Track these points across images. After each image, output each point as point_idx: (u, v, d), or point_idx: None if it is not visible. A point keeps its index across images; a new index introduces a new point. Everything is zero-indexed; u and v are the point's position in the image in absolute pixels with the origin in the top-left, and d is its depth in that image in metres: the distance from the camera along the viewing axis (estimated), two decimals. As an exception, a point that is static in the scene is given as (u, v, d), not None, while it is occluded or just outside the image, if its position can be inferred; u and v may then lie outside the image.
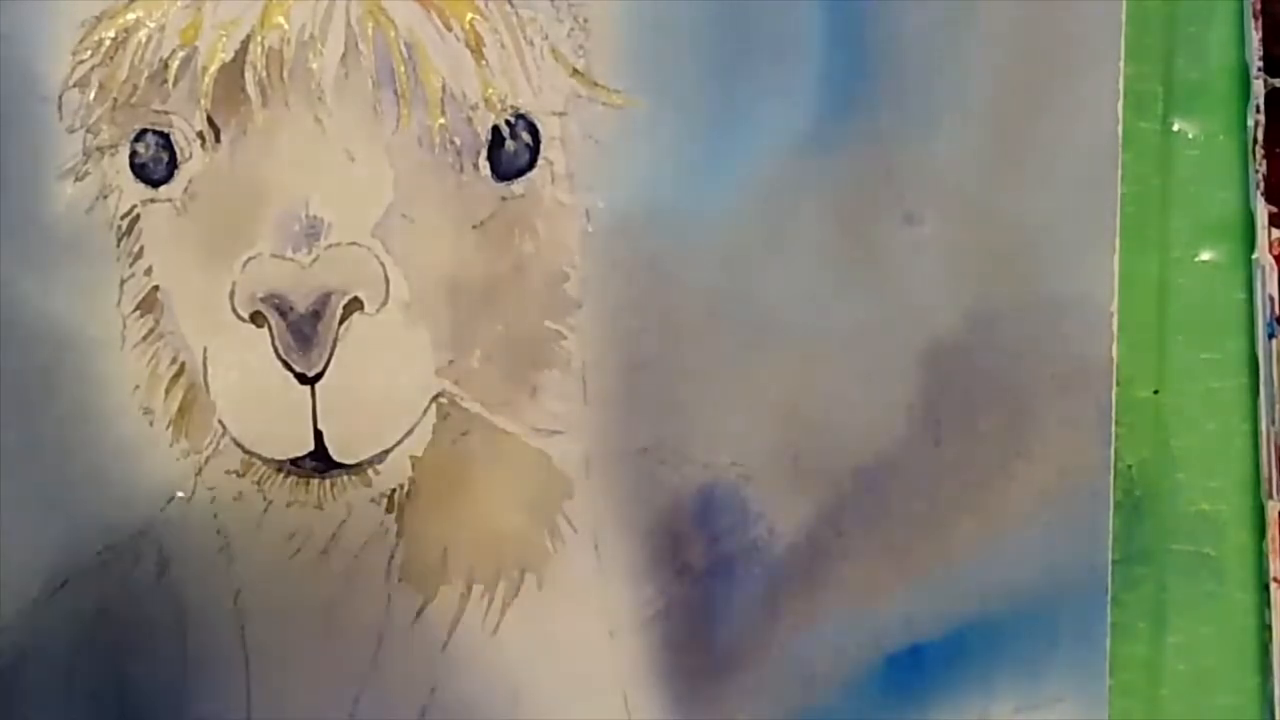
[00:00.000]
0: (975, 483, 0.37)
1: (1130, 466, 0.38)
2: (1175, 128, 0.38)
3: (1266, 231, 0.37)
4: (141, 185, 0.39)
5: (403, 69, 0.38)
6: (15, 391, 0.40)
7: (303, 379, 0.38)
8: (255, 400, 0.39)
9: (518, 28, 0.38)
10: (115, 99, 0.39)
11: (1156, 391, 0.38)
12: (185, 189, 0.39)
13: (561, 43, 0.38)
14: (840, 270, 0.38)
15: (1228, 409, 0.38)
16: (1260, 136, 0.37)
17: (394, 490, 0.39)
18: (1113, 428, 0.37)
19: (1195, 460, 0.38)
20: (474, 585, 0.39)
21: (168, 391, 0.39)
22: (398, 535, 0.39)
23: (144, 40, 0.39)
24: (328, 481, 0.39)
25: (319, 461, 0.38)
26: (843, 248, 0.38)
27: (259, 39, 0.38)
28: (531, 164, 0.38)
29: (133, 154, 0.39)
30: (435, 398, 0.39)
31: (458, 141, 0.38)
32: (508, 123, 0.38)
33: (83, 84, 0.39)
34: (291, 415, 0.38)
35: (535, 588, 0.39)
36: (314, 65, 0.38)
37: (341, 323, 0.38)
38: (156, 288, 0.39)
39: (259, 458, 0.39)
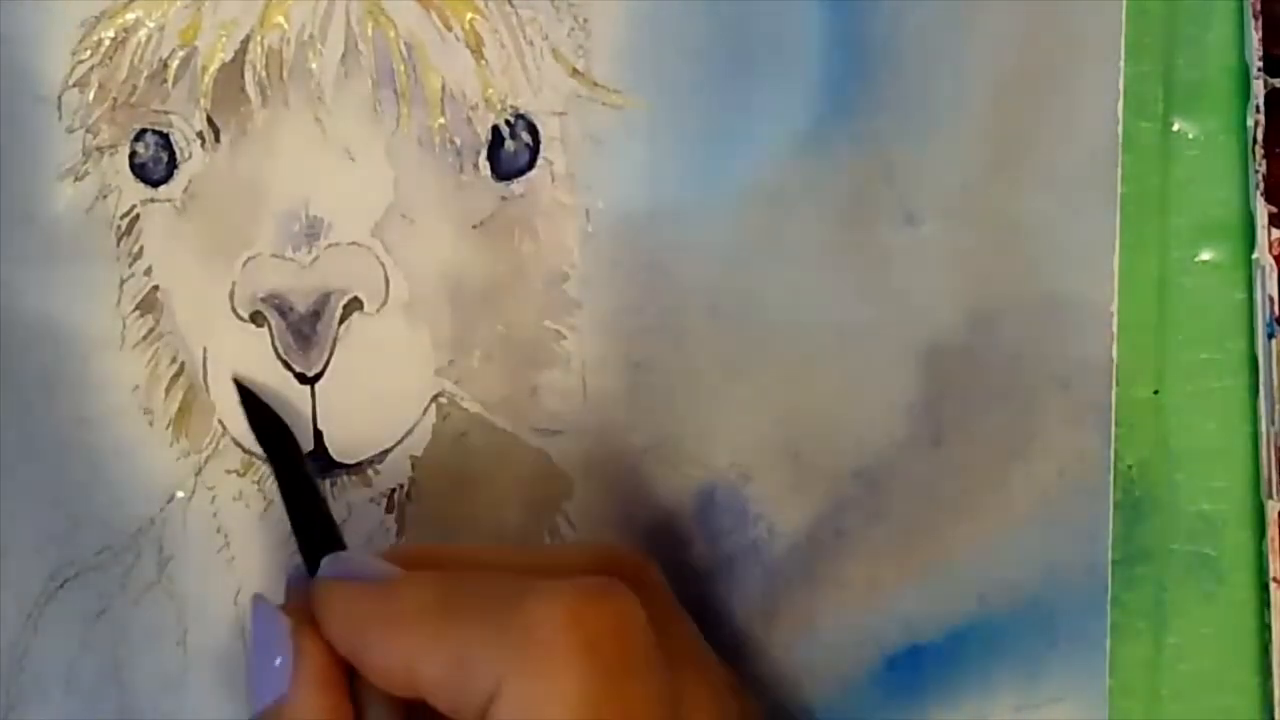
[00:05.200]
0: (975, 483, 0.37)
1: (1130, 466, 0.38)
2: (1175, 128, 0.38)
3: (1266, 231, 0.37)
4: (141, 185, 0.39)
5: (403, 69, 0.38)
6: (15, 391, 0.40)
7: (303, 379, 0.38)
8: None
9: (518, 28, 0.38)
10: (115, 99, 0.39)
11: (1156, 391, 0.38)
12: (185, 189, 0.39)
13: (561, 43, 0.38)
14: (840, 270, 0.38)
15: (1228, 409, 0.38)
16: (1260, 136, 0.37)
17: (394, 490, 0.39)
18: (1113, 428, 0.37)
19: (1195, 460, 0.38)
20: (474, 585, 0.39)
21: (168, 391, 0.39)
22: (398, 535, 0.39)
23: (144, 40, 0.39)
24: (328, 481, 0.39)
25: (319, 461, 0.38)
26: (843, 248, 0.38)
27: (259, 39, 0.38)
28: (531, 164, 0.38)
29: (132, 154, 0.39)
30: (435, 398, 0.39)
31: (458, 141, 0.38)
32: (508, 123, 0.38)
33: (83, 84, 0.39)
34: (291, 415, 0.38)
35: (535, 588, 0.39)
36: (314, 65, 0.38)
37: (341, 323, 0.38)
38: (156, 288, 0.39)
39: (259, 458, 0.39)
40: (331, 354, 0.38)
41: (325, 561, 0.34)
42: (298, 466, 0.37)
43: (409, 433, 0.39)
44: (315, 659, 0.32)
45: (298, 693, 0.31)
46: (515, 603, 0.30)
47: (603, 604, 0.30)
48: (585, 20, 0.38)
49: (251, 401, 0.38)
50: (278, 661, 0.32)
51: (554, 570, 0.31)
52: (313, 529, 0.35)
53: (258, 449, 0.39)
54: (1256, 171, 0.37)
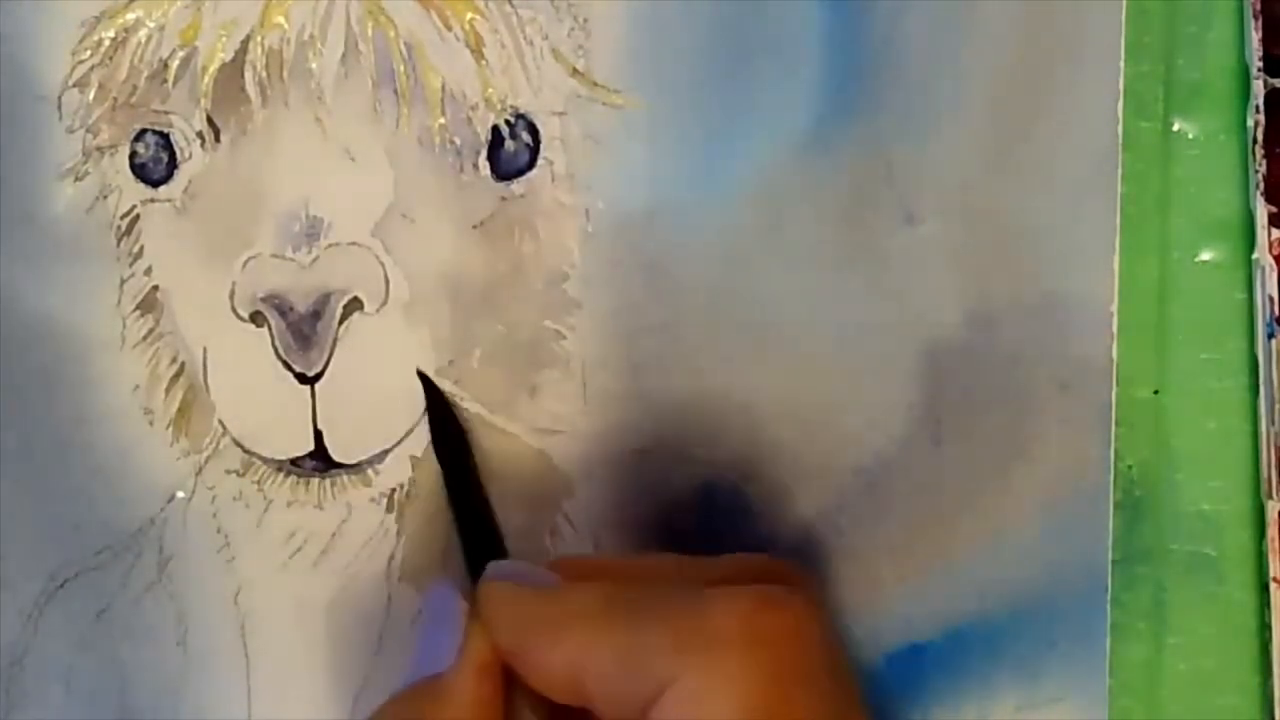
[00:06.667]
0: (975, 483, 0.37)
1: (1130, 466, 0.38)
2: (1175, 128, 0.38)
3: (1266, 231, 0.37)
4: (141, 185, 0.39)
5: (403, 69, 0.38)
6: (15, 391, 0.40)
7: (303, 379, 0.38)
8: (255, 400, 0.39)
9: (518, 28, 0.38)
10: (115, 99, 0.39)
11: (1156, 391, 0.38)
12: (185, 189, 0.39)
13: (561, 43, 0.38)
14: (840, 270, 0.38)
15: (1228, 409, 0.38)
16: (1260, 136, 0.37)
17: (394, 490, 0.39)
18: (1113, 428, 0.37)
19: (1195, 460, 0.38)
20: (474, 585, 0.39)
21: (168, 391, 0.39)
22: (398, 535, 0.39)
23: (144, 40, 0.39)
24: (328, 481, 0.39)
25: (319, 461, 0.39)
26: (843, 248, 0.38)
27: (259, 39, 0.38)
28: (531, 164, 0.38)
29: (132, 154, 0.39)
30: (435, 398, 0.39)
31: (458, 141, 0.38)
32: (508, 123, 0.38)
33: (83, 84, 0.39)
34: (291, 415, 0.38)
35: (535, 588, 0.39)
36: (314, 65, 0.38)
37: (341, 323, 0.38)
38: (156, 288, 0.39)
39: (259, 458, 0.39)
40: (331, 354, 0.38)
41: (491, 567, 0.34)
42: (471, 474, 0.37)
43: (409, 433, 0.39)
44: (480, 647, 0.32)
45: (459, 673, 0.32)
46: (692, 605, 0.30)
47: (782, 611, 0.30)
48: (585, 20, 0.38)
49: (437, 401, 0.38)
50: (447, 638, 0.32)
51: (719, 582, 0.31)
52: (479, 536, 0.36)
53: (258, 449, 0.39)
54: (1256, 171, 0.37)
